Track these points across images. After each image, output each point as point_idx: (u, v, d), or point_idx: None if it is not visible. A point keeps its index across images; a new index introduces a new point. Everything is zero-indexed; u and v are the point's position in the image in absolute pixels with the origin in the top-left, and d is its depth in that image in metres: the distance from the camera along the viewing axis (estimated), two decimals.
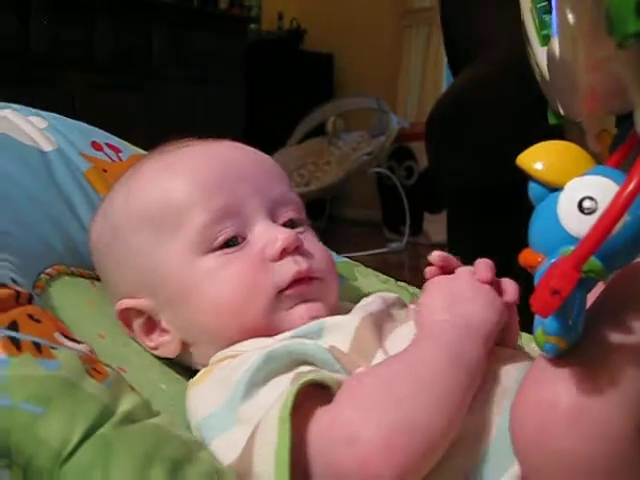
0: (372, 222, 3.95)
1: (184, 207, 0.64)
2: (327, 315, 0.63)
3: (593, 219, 0.41)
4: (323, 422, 0.49)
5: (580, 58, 0.50)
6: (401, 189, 3.57)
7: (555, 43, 0.57)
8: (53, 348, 0.53)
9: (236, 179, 0.65)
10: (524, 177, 1.28)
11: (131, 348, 0.67)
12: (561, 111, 0.66)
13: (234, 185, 0.65)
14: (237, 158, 0.68)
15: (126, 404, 0.52)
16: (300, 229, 0.68)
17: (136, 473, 0.46)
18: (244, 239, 0.64)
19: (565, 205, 0.43)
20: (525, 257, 0.45)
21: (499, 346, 0.59)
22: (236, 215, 0.64)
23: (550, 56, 0.60)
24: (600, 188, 0.43)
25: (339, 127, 3.71)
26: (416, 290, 0.92)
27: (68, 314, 0.66)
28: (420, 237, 3.65)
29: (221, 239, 0.63)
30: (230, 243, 0.64)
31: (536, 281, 0.42)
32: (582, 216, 0.43)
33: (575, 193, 0.43)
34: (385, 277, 0.94)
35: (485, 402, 0.53)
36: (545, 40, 0.66)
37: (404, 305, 0.70)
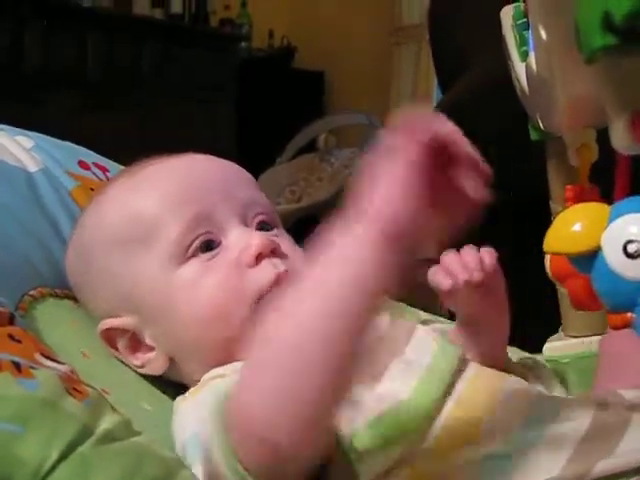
0: None
1: (155, 222, 0.64)
2: None
3: None
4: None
5: (555, 73, 0.50)
6: None
7: (532, 58, 0.58)
8: (33, 368, 0.53)
9: (203, 189, 0.65)
10: (509, 196, 1.28)
11: (115, 367, 0.66)
12: (541, 126, 0.67)
13: (202, 195, 0.65)
14: (201, 168, 0.68)
15: (106, 423, 0.52)
16: (273, 232, 0.67)
17: None
18: (220, 244, 0.64)
19: (615, 261, 0.43)
20: (615, 322, 0.44)
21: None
22: (208, 222, 0.64)
23: (528, 71, 0.61)
24: (631, 228, 0.43)
25: (330, 143, 3.71)
26: (402, 305, 0.92)
27: (52, 334, 0.65)
28: None
29: (196, 244, 0.63)
30: (207, 247, 0.63)
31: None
32: (635, 261, 0.42)
33: (614, 247, 0.43)
34: None
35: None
36: (524, 56, 0.67)
37: (399, 325, 0.70)
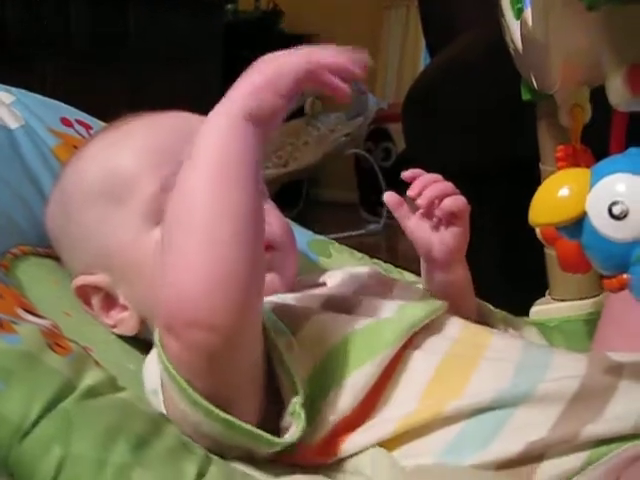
0: (349, 204, 3.95)
1: (132, 178, 0.63)
2: (284, 287, 0.63)
3: (633, 217, 0.41)
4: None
5: (551, 27, 0.49)
6: (378, 171, 3.56)
7: (528, 15, 0.56)
8: (14, 323, 0.52)
9: (185, 146, 0.64)
10: (498, 160, 1.27)
11: (99, 326, 0.66)
12: (535, 84, 0.66)
13: (183, 152, 0.63)
14: (185, 125, 0.66)
15: (90, 378, 0.51)
16: None
17: (99, 448, 0.46)
18: None
19: (602, 225, 0.43)
20: (611, 285, 0.44)
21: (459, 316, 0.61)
22: None
23: (523, 28, 0.60)
24: (613, 189, 0.42)
25: (317, 108, 3.69)
26: (390, 267, 0.92)
27: (34, 292, 0.65)
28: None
29: None
30: None
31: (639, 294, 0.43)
32: (621, 222, 0.42)
33: (599, 211, 0.43)
34: (360, 254, 0.94)
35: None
36: (519, 13, 0.66)
37: (380, 278, 0.70)
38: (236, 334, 0.47)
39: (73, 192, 0.66)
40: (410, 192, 0.66)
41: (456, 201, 0.65)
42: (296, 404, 0.50)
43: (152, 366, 0.56)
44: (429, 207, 0.65)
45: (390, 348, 0.54)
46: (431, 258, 0.67)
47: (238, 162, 0.49)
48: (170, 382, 0.49)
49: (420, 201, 0.65)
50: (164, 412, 0.52)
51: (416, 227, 0.68)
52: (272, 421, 0.51)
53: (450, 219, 0.66)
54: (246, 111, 0.49)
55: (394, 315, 0.58)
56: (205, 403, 0.48)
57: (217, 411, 0.48)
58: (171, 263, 0.49)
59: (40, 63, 3.30)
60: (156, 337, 0.50)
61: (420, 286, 0.73)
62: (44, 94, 0.90)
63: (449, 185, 0.66)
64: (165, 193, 0.61)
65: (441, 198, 0.65)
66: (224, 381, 0.49)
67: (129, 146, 0.65)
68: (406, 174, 0.67)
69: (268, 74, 0.50)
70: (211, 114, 0.51)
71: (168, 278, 0.48)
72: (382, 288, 0.67)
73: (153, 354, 0.58)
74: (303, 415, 0.50)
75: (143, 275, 0.62)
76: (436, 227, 0.67)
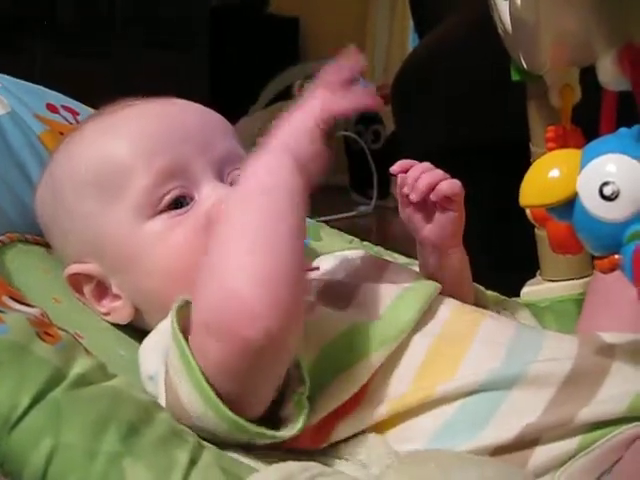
0: (339, 186, 3.94)
1: (126, 169, 0.61)
2: None
3: (624, 197, 0.40)
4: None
5: (542, 7, 0.49)
6: (368, 153, 3.56)
7: None
8: (2, 312, 0.51)
9: (180, 138, 0.63)
10: (489, 140, 1.27)
11: (88, 312, 0.65)
12: (524, 65, 0.65)
13: (178, 144, 0.63)
14: (180, 115, 0.66)
15: (79, 367, 0.51)
16: None
17: (89, 437, 0.45)
18: (192, 199, 0.62)
19: (593, 206, 0.43)
20: (603, 266, 0.44)
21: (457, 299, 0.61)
22: (181, 175, 0.62)
23: (512, 8, 0.60)
24: (604, 170, 0.42)
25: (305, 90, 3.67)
26: (380, 250, 0.92)
27: (22, 280, 0.64)
28: (388, 201, 3.64)
29: (167, 199, 0.61)
30: (177, 204, 0.62)
31: (631, 275, 0.43)
32: (612, 203, 0.42)
33: (590, 192, 0.43)
34: (350, 237, 0.94)
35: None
36: None
37: (374, 261, 0.70)
38: (284, 334, 0.47)
39: (64, 180, 0.65)
40: (406, 190, 0.65)
41: (451, 185, 0.64)
42: (302, 394, 0.50)
43: (149, 352, 0.56)
44: (423, 197, 0.64)
45: (394, 342, 0.55)
46: (427, 243, 0.67)
47: (286, 179, 0.53)
48: (187, 379, 0.49)
49: (413, 197, 0.64)
50: (160, 398, 0.52)
51: (412, 212, 0.67)
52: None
53: (445, 204, 0.65)
54: (285, 147, 0.54)
55: (392, 310, 0.58)
56: (222, 406, 0.48)
57: (230, 413, 0.48)
58: (221, 264, 0.49)
59: (28, 48, 3.27)
60: (176, 333, 0.50)
61: (411, 267, 0.73)
62: (32, 79, 0.88)
63: (440, 172, 0.65)
64: (158, 186, 0.61)
65: (434, 186, 0.64)
66: (254, 384, 0.49)
67: (122, 135, 0.64)
68: (394, 168, 0.66)
69: (291, 134, 0.55)
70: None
71: (217, 279, 0.49)
72: (376, 272, 0.66)
73: (150, 340, 0.58)
74: (307, 407, 0.50)
75: (137, 267, 0.62)
76: (432, 212, 0.66)
